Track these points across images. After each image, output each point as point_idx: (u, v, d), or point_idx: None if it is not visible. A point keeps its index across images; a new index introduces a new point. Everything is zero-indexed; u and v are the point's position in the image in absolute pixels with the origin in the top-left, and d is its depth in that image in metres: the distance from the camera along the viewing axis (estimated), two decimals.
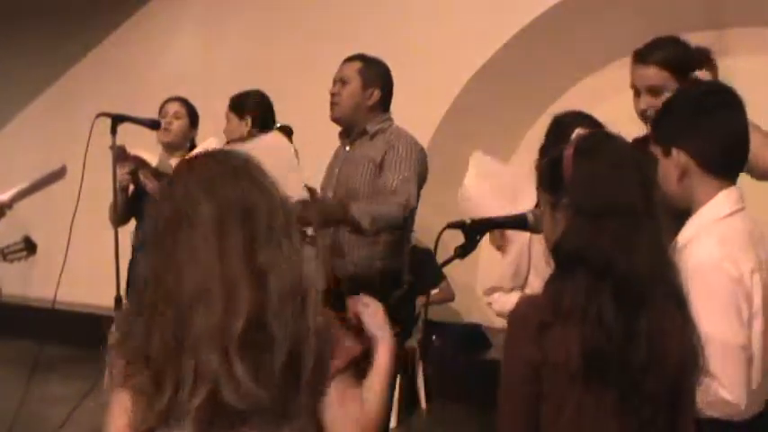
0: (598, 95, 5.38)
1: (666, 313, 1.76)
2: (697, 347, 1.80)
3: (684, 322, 1.78)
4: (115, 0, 7.20)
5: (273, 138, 3.59)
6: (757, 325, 1.92)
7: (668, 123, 2.02)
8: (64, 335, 6.16)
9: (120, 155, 3.65)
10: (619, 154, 1.82)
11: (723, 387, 1.86)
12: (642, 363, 1.72)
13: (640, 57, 2.55)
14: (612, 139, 1.89)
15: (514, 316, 1.84)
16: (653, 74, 2.51)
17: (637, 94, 2.57)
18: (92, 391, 4.86)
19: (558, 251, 1.81)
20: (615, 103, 5.43)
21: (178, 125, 4.10)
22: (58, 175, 3.89)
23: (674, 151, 1.98)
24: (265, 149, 3.49)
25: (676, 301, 1.79)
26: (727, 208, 1.98)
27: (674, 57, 2.51)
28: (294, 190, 3.36)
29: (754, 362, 1.93)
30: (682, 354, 1.78)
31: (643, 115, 2.54)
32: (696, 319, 1.86)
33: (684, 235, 1.99)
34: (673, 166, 1.99)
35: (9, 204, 4.11)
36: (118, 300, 3.38)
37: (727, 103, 2.02)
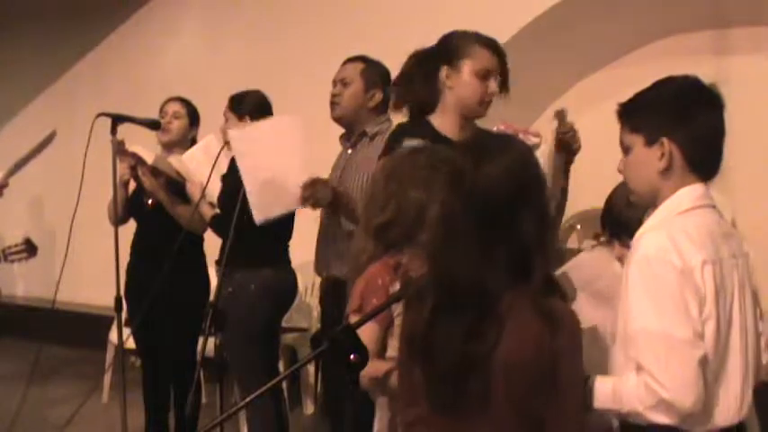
0: (598, 95, 5.37)
1: (492, 321, 1.75)
2: (565, 360, 1.75)
3: (541, 331, 1.73)
4: (115, 0, 7.19)
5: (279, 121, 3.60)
6: (711, 322, 1.82)
7: (656, 113, 1.94)
8: (64, 335, 6.16)
9: (119, 150, 3.65)
10: (446, 161, 1.97)
11: (660, 385, 1.74)
12: (450, 364, 1.75)
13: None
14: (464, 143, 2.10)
15: None
16: None
17: None
18: (92, 392, 4.87)
19: None
20: (615, 104, 5.45)
21: (177, 125, 4.12)
22: (48, 140, 3.96)
23: (665, 141, 1.91)
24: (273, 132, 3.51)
25: (533, 311, 1.75)
26: (688, 203, 1.91)
27: None
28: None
29: (710, 362, 1.81)
30: (532, 363, 1.73)
31: None
32: (633, 311, 1.81)
33: (644, 227, 1.94)
34: (657, 157, 1.92)
35: (5, 183, 4.18)
36: (118, 300, 3.37)
37: (715, 101, 1.96)
